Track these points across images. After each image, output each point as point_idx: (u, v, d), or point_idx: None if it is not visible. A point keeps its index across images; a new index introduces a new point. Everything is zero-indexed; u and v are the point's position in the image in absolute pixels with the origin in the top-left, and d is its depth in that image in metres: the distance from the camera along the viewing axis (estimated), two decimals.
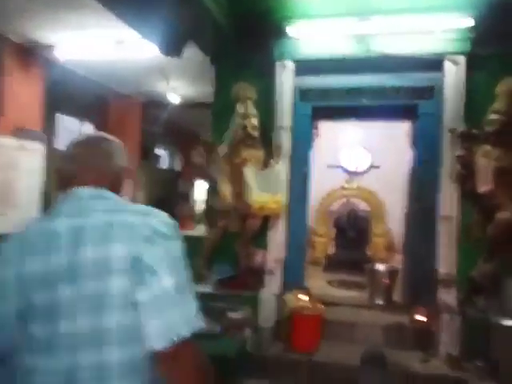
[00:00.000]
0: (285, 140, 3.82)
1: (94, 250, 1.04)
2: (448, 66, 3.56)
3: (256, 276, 3.63)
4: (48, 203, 5.69)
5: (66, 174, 1.19)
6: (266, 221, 3.77)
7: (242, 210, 3.64)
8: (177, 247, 1.09)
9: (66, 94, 6.04)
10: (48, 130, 5.59)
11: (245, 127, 3.72)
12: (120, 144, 1.26)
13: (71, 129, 8.37)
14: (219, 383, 1.16)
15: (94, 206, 1.11)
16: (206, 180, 4.08)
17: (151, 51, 3.91)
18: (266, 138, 3.83)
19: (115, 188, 1.19)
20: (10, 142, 4.48)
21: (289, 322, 3.38)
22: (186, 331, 0.98)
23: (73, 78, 5.44)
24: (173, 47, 3.49)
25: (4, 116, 4.37)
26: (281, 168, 3.74)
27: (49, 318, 1.02)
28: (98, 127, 6.67)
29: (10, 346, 1.08)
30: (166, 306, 0.99)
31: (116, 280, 1.01)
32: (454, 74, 3.54)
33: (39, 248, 1.06)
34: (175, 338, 0.96)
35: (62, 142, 8.09)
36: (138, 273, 1.01)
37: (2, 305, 1.07)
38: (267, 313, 3.50)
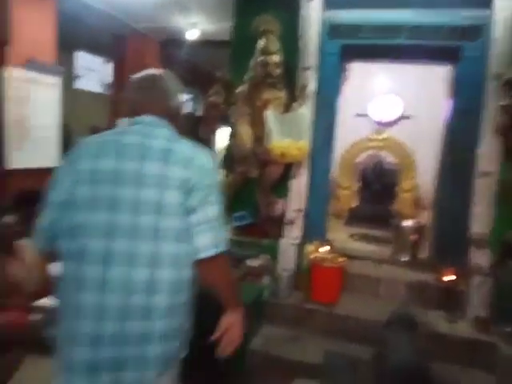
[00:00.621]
0: (310, 81, 3.50)
1: (156, 166, 1.30)
2: (498, 2, 3.10)
3: (275, 225, 3.48)
4: (67, 140, 5.58)
5: (131, 102, 1.44)
6: (288, 169, 3.56)
7: (262, 156, 3.41)
8: (218, 182, 1.42)
9: (82, 30, 5.75)
10: (66, 68, 5.36)
11: (266, 64, 3.40)
12: (179, 85, 1.50)
13: (93, 68, 8.13)
14: None
15: (156, 132, 1.37)
16: (223, 123, 3.83)
17: None
18: (290, 79, 3.52)
19: (171, 123, 1.44)
20: (21, 73, 4.27)
21: (308, 273, 3.26)
22: (222, 247, 1.35)
23: (88, 12, 5.11)
24: None
25: (13, 45, 4.11)
26: (305, 112, 3.45)
27: (111, 210, 1.27)
28: (117, 67, 6.41)
29: (57, 232, 1.34)
30: (211, 228, 1.33)
31: (172, 193, 1.29)
32: (504, 12, 3.09)
33: (111, 153, 1.31)
34: (217, 251, 1.33)
35: (84, 82, 7.88)
36: (189, 194, 1.31)
37: (61, 192, 1.33)
38: (286, 262, 3.38)
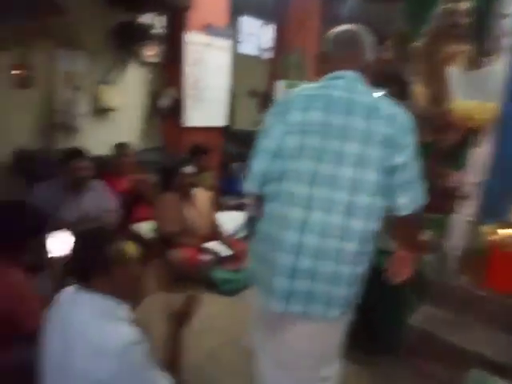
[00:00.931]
0: (507, 32, 2.92)
1: (361, 121, 1.37)
2: None
3: (446, 199, 3.11)
4: (233, 103, 5.92)
5: (330, 57, 1.51)
6: (466, 136, 3.10)
7: (441, 119, 3.03)
8: (416, 141, 1.45)
9: None
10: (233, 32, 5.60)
11: (453, 13, 2.94)
12: (372, 40, 1.53)
13: (252, 32, 8.38)
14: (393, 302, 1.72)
15: (355, 86, 1.44)
16: (394, 80, 3.50)
17: None
18: (479, 30, 2.99)
19: (365, 77, 1.50)
20: (200, 38, 4.61)
21: (483, 256, 2.86)
22: (418, 205, 1.46)
23: None
24: None
25: (193, 11, 4.43)
26: (498, 69, 2.91)
27: (316, 159, 1.37)
28: (279, 28, 6.43)
29: (267, 176, 1.47)
30: (411, 187, 1.43)
31: (373, 148, 1.37)
32: None
33: (320, 107, 1.41)
34: (413, 209, 1.45)
35: (244, 46, 8.20)
36: (391, 152, 1.38)
37: (271, 142, 1.45)
38: (456, 241, 3.02)
